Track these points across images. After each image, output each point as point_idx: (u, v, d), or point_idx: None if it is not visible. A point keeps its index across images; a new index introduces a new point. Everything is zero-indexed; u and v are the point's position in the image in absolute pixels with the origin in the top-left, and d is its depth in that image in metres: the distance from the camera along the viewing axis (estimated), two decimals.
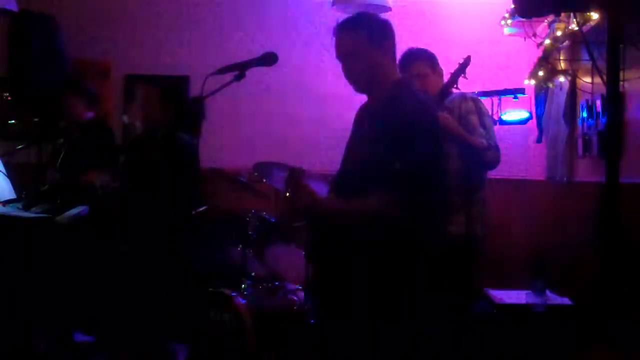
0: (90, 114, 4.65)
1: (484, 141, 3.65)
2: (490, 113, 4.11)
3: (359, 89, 2.74)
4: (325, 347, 2.72)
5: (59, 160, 4.49)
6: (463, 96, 3.77)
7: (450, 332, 3.54)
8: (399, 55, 3.76)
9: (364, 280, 2.58)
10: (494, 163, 3.72)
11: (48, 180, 4.46)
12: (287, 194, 2.58)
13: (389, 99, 2.65)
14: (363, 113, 2.83)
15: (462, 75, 3.65)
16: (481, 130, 3.67)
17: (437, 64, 3.81)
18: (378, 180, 2.50)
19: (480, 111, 3.74)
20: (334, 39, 2.73)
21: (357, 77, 2.70)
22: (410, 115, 2.57)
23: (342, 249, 2.63)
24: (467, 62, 3.66)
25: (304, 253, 3.93)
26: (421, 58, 3.76)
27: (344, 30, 2.71)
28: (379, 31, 2.71)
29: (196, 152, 3.66)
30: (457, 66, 3.69)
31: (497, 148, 3.70)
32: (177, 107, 3.88)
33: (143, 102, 3.95)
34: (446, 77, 3.78)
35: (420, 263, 2.65)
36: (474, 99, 3.79)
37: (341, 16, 3.07)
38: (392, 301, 2.59)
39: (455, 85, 3.68)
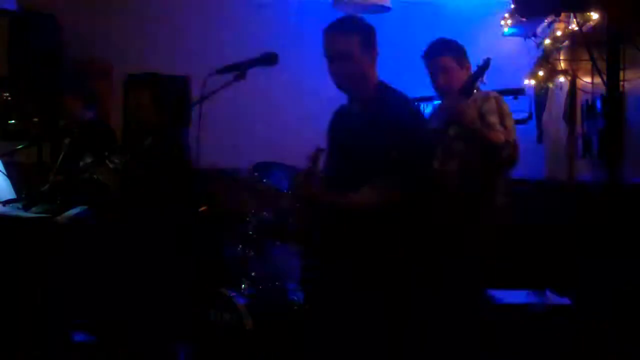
0: (89, 114, 4.64)
1: (502, 136, 3.40)
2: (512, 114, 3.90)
3: (343, 89, 2.87)
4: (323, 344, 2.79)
5: (59, 161, 4.48)
6: (486, 95, 3.58)
7: (455, 332, 3.53)
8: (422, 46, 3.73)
9: (369, 274, 2.71)
10: (508, 160, 3.46)
11: (49, 181, 4.45)
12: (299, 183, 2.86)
13: (375, 99, 2.82)
14: (345, 115, 2.96)
15: (481, 78, 3.44)
16: (500, 128, 3.45)
17: (465, 57, 3.62)
18: (378, 171, 2.67)
19: (502, 111, 3.53)
20: (325, 37, 2.80)
21: (344, 78, 2.82)
22: (399, 111, 2.77)
23: (345, 242, 2.74)
24: (486, 64, 3.41)
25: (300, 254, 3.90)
26: (448, 50, 3.59)
27: (337, 31, 2.83)
28: (369, 37, 2.85)
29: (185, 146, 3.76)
30: (476, 69, 3.45)
31: (514, 145, 3.42)
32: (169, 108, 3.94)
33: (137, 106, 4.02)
34: None
35: (421, 253, 2.79)
36: (497, 98, 3.58)
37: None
38: (399, 293, 2.72)
39: (474, 89, 3.48)
